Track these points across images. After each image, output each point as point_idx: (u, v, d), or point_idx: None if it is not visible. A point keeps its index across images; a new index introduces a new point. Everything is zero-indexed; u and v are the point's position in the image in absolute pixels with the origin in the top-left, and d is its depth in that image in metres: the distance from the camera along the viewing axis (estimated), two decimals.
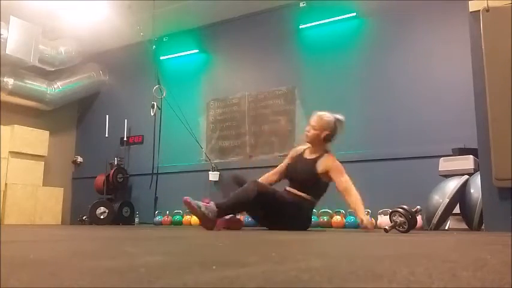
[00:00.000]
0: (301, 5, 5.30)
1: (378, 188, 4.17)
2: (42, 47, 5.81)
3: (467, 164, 3.56)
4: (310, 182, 3.00)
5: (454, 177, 3.50)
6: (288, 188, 3.08)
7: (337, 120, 3.07)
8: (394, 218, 2.49)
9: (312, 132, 3.04)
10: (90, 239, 1.83)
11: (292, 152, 3.28)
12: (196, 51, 6.04)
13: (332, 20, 5.08)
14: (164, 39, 6.14)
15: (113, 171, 5.96)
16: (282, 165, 3.26)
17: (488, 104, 2.88)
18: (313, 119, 3.07)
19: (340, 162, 3.05)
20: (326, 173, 2.94)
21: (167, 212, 5.42)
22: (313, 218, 4.39)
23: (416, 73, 4.53)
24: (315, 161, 3.00)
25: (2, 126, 5.69)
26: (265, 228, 3.12)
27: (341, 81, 4.96)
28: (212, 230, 2.70)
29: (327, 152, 3.06)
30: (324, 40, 5.22)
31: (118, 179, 5.99)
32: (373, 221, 2.61)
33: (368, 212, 4.13)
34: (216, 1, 5.39)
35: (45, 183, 6.11)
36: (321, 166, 2.96)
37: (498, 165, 2.81)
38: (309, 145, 3.14)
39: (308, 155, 3.09)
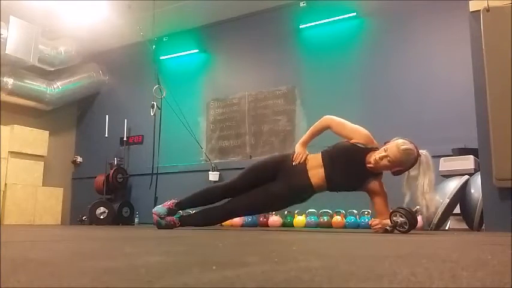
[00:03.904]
0: (301, 5, 5.30)
1: None
2: (42, 47, 5.82)
3: (467, 164, 3.55)
4: (346, 185, 2.78)
5: (455, 177, 3.50)
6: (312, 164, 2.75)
7: (421, 155, 2.58)
8: (394, 218, 2.48)
9: (384, 163, 2.56)
10: (90, 239, 1.82)
11: (368, 139, 2.71)
12: (196, 51, 6.05)
13: (332, 20, 5.09)
14: (164, 39, 6.14)
15: (112, 171, 5.96)
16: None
17: (489, 104, 2.88)
18: (393, 151, 2.53)
19: None
20: (368, 191, 2.73)
21: None
22: (314, 218, 4.41)
23: (417, 73, 4.53)
24: (370, 176, 2.68)
25: (2, 126, 5.69)
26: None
27: (341, 81, 4.96)
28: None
29: (380, 173, 2.72)
30: (324, 40, 5.22)
31: (118, 179, 5.99)
32: (386, 222, 2.56)
33: (368, 212, 4.14)
34: (216, 1, 5.39)
35: (45, 183, 6.11)
36: (370, 187, 2.70)
37: (498, 165, 2.80)
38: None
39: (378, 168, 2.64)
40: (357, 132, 2.73)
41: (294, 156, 2.81)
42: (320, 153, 2.79)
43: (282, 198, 2.88)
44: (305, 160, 2.78)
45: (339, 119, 2.82)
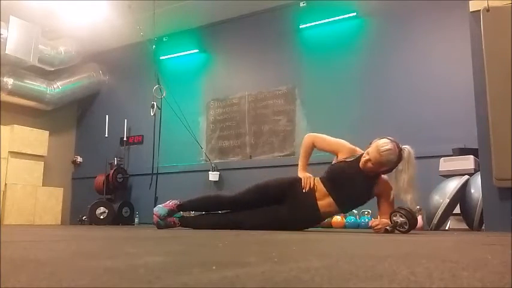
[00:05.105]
0: (301, 5, 5.30)
1: None
2: (42, 46, 5.81)
3: (467, 164, 3.56)
4: (357, 202, 2.81)
5: (455, 177, 3.50)
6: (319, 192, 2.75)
7: (403, 152, 2.58)
8: (394, 218, 2.49)
9: (369, 165, 2.58)
10: (90, 239, 1.82)
11: (352, 151, 2.75)
12: (196, 51, 6.05)
13: (332, 20, 5.09)
14: (164, 39, 6.14)
15: (112, 171, 5.97)
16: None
17: (489, 104, 2.88)
18: (373, 154, 2.55)
19: None
20: (376, 195, 2.75)
21: None
22: None
23: (417, 73, 4.53)
24: (373, 182, 2.69)
25: (2, 126, 5.68)
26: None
27: (341, 81, 4.96)
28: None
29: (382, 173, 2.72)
30: (324, 40, 5.22)
31: (118, 179, 5.99)
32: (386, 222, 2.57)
33: (368, 212, 4.15)
34: (216, 1, 5.39)
35: (45, 183, 6.10)
36: (375, 192, 2.72)
37: (498, 165, 2.81)
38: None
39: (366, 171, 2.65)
40: (340, 146, 2.77)
41: (303, 183, 2.78)
42: (319, 181, 2.77)
43: (290, 225, 2.88)
44: (314, 186, 2.76)
45: (320, 135, 2.87)
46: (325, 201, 2.73)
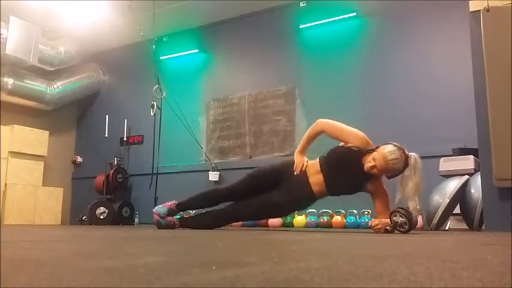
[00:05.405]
0: (301, 5, 5.30)
1: None
2: (42, 46, 5.81)
3: (467, 164, 3.56)
4: (345, 189, 2.80)
5: (455, 177, 3.50)
6: (312, 172, 2.77)
7: (410, 159, 2.57)
8: (394, 218, 2.48)
9: (374, 171, 2.58)
10: (90, 239, 1.82)
11: (364, 142, 2.69)
12: (196, 51, 6.05)
13: (332, 20, 5.09)
14: (164, 39, 6.15)
15: (112, 171, 5.97)
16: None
17: (489, 104, 2.88)
18: (379, 162, 2.54)
19: None
20: (368, 192, 2.76)
21: None
22: (314, 218, 4.41)
23: (417, 73, 4.53)
24: (368, 178, 2.68)
25: (2, 126, 5.68)
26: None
27: (341, 81, 4.96)
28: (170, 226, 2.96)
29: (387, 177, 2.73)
30: (324, 40, 5.22)
31: (118, 179, 5.99)
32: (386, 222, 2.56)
33: (368, 212, 4.14)
34: (216, 1, 5.40)
35: (45, 183, 6.10)
36: (369, 188, 2.73)
37: (498, 165, 2.81)
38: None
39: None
40: (352, 135, 2.72)
41: (294, 166, 2.81)
42: (318, 160, 2.80)
43: (284, 207, 2.90)
44: (305, 168, 2.78)
45: (333, 122, 2.80)
46: (316, 178, 2.74)
